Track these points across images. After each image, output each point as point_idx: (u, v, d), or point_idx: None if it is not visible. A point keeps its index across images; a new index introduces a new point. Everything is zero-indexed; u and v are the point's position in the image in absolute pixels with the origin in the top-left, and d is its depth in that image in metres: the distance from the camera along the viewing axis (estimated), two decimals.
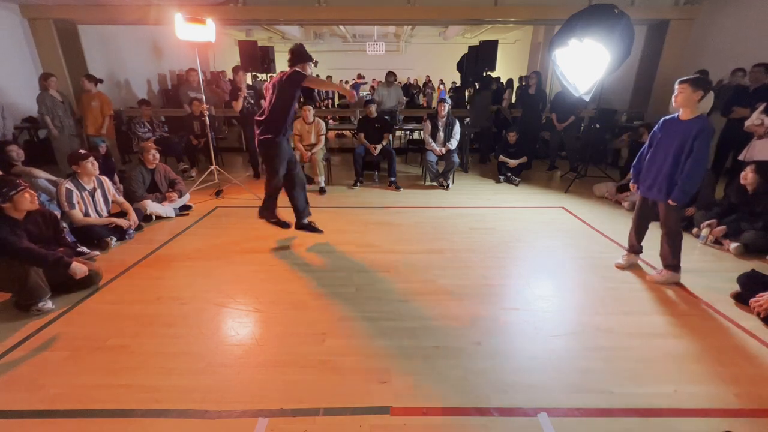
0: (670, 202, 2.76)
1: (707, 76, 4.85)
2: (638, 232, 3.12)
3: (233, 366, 2.07)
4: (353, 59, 17.02)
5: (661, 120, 2.89)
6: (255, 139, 5.51)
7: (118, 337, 2.30)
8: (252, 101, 5.63)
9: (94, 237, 3.43)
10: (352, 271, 3.09)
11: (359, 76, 14.75)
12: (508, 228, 4.01)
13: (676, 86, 2.68)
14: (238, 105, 5.43)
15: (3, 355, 2.15)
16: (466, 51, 7.96)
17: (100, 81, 5.78)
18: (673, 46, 6.24)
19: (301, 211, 3.61)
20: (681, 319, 2.50)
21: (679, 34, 6.20)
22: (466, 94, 10.11)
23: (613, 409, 1.81)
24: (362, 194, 5.21)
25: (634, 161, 3.06)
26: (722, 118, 5.01)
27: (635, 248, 3.17)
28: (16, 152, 4.18)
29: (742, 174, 3.55)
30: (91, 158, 3.51)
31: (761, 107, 3.91)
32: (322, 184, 5.26)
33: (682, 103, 2.68)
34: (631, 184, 3.14)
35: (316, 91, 13.01)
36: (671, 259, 2.91)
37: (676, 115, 2.79)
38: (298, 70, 3.16)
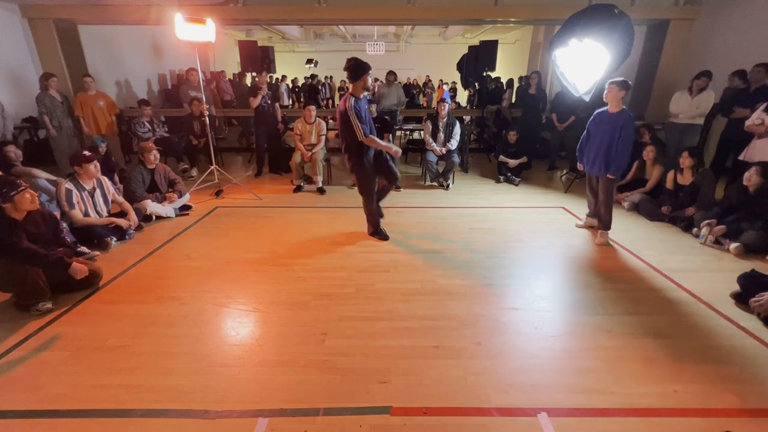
0: (608, 176, 3.49)
1: (710, 76, 4.85)
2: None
3: (233, 366, 2.07)
4: None
5: (595, 113, 3.61)
6: (265, 139, 5.56)
7: (118, 337, 2.30)
8: (269, 101, 5.76)
9: (94, 237, 3.43)
10: (352, 271, 3.09)
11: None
12: (508, 228, 4.01)
13: (607, 85, 3.35)
14: (256, 101, 5.61)
15: (3, 355, 2.15)
16: (466, 51, 7.99)
17: None
18: (673, 46, 6.23)
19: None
20: (681, 319, 2.50)
21: (679, 34, 6.18)
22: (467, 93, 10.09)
23: (613, 409, 1.81)
24: None
25: (578, 147, 3.80)
26: (723, 119, 5.02)
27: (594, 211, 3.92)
28: (14, 152, 4.19)
29: (746, 175, 3.52)
30: (95, 161, 3.52)
31: (762, 107, 3.90)
32: (320, 184, 5.25)
33: (611, 100, 3.39)
34: (578, 165, 3.85)
35: (319, 89, 13.04)
36: (605, 219, 3.65)
37: (605, 109, 3.50)
38: (348, 106, 3.21)
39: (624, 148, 3.36)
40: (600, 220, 3.70)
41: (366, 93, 3.36)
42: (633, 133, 3.36)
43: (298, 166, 5.24)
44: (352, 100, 3.22)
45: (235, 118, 9.72)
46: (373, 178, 3.52)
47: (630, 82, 3.38)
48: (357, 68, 3.23)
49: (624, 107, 3.40)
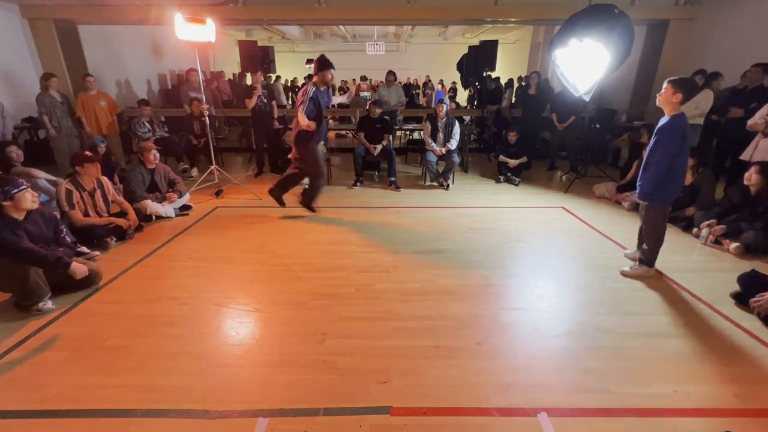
0: (638, 200, 2.95)
1: (706, 74, 4.85)
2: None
3: (233, 366, 2.07)
4: (353, 59, 17.00)
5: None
6: (265, 138, 5.54)
7: (118, 337, 2.30)
8: (265, 100, 5.77)
9: (94, 237, 3.43)
10: (352, 271, 3.09)
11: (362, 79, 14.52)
12: (508, 228, 4.01)
13: (664, 85, 2.70)
14: (252, 102, 5.60)
15: (3, 355, 2.15)
16: (466, 51, 7.99)
17: None
18: (673, 46, 6.24)
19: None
20: (681, 319, 2.50)
21: (679, 34, 6.19)
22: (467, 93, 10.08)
23: (613, 409, 1.81)
24: (362, 194, 5.21)
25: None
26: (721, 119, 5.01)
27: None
28: (16, 153, 4.19)
29: (746, 174, 3.53)
30: (96, 161, 3.51)
31: (765, 107, 3.89)
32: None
33: (661, 102, 2.73)
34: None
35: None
36: (647, 253, 3.00)
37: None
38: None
39: (647, 164, 2.75)
40: (642, 252, 3.05)
41: (325, 86, 3.92)
42: (666, 144, 2.67)
43: None
44: (313, 89, 3.76)
45: (234, 118, 9.71)
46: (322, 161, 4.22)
47: (696, 83, 2.67)
48: (321, 64, 3.82)
49: (681, 112, 2.67)
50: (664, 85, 2.69)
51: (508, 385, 1.94)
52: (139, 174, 4.15)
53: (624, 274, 3.06)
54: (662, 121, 2.74)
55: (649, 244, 2.98)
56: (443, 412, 1.79)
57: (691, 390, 1.92)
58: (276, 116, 6.15)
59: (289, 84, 13.84)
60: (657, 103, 2.77)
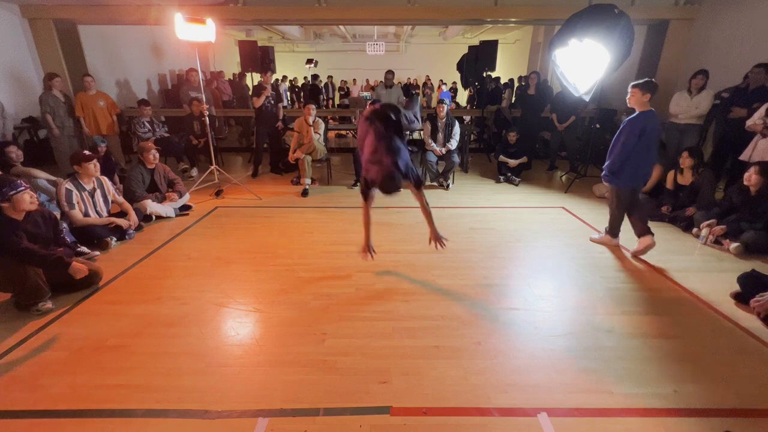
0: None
1: (707, 74, 4.85)
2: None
3: (233, 366, 2.07)
4: (353, 59, 16.99)
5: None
6: (267, 138, 5.57)
7: (118, 337, 2.30)
8: (273, 101, 5.84)
9: (94, 237, 3.43)
10: (352, 271, 3.09)
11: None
12: (508, 228, 4.01)
13: (629, 89, 3.10)
14: (259, 101, 5.66)
15: (3, 355, 2.15)
16: (466, 51, 7.99)
17: None
18: (673, 46, 6.23)
19: None
20: (681, 319, 2.50)
21: (679, 34, 6.19)
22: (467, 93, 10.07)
23: (613, 409, 1.81)
24: None
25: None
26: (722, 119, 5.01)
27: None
28: (15, 153, 4.19)
29: (746, 175, 3.53)
30: (94, 160, 3.51)
31: (763, 107, 3.89)
32: (307, 186, 5.18)
33: (633, 104, 3.12)
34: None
35: (321, 89, 13.06)
36: (610, 225, 3.60)
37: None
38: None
39: (614, 148, 3.20)
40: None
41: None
42: (622, 132, 3.15)
43: (308, 166, 5.21)
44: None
45: (234, 119, 9.71)
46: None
47: (654, 80, 3.08)
48: None
49: (650, 109, 3.09)
50: (630, 89, 3.08)
51: (508, 385, 1.94)
52: (138, 174, 4.15)
53: (591, 240, 3.69)
54: (632, 115, 3.14)
55: (610, 218, 3.55)
56: (443, 412, 1.79)
57: (691, 390, 1.92)
58: (281, 117, 6.18)
59: (288, 85, 13.86)
60: (629, 105, 3.15)
